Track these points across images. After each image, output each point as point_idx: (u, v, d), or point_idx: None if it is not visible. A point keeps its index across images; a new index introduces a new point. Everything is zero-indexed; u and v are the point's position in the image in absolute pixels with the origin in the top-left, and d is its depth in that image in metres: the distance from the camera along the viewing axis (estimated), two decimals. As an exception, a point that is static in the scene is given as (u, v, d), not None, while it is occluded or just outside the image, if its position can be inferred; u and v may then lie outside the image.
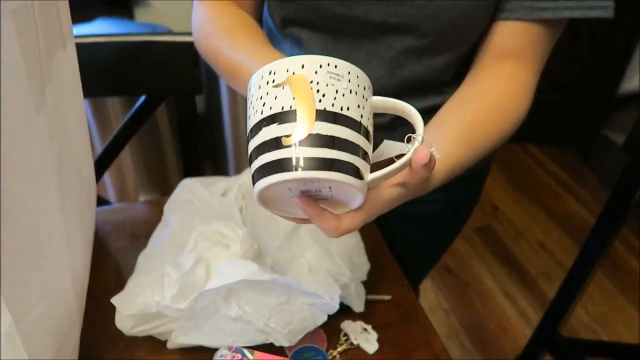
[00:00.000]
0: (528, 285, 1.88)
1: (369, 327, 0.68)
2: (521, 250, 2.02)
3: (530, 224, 2.14)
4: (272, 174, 0.40)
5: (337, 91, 0.40)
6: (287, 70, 0.40)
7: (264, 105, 0.41)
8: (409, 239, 0.90)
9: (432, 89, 0.72)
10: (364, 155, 0.42)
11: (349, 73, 0.41)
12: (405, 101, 0.58)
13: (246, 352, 0.51)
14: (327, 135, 0.39)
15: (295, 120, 0.39)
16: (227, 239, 0.66)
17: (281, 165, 0.39)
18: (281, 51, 0.77)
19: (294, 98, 0.39)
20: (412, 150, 0.41)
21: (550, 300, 1.34)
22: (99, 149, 1.07)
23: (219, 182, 0.76)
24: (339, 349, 0.65)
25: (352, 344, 0.66)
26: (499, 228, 2.12)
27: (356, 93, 0.41)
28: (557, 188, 2.33)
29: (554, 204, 2.24)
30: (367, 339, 0.66)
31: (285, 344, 0.61)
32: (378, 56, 0.68)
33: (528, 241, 2.07)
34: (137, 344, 0.64)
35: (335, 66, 0.40)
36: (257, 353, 0.51)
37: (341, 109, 0.40)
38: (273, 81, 0.40)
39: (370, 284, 0.73)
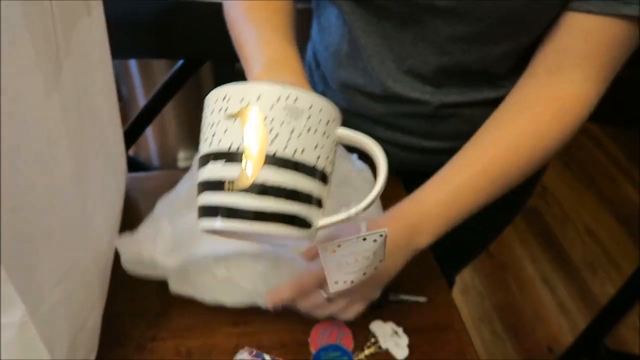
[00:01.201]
0: (570, 274, 1.80)
1: (400, 329, 0.63)
2: (567, 236, 1.93)
3: (580, 209, 2.03)
4: (210, 216, 0.38)
5: (292, 131, 0.36)
6: (242, 100, 0.36)
7: (213, 136, 0.38)
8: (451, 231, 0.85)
9: (486, 81, 0.65)
10: (317, 201, 0.39)
11: (310, 107, 0.37)
12: (457, 92, 0.53)
13: (266, 357, 0.48)
14: (273, 186, 0.37)
15: (241, 163, 0.36)
16: None
17: (221, 211, 0.37)
18: (326, 19, 0.71)
19: (243, 137, 0.36)
20: (365, 201, 0.39)
21: (591, 292, 1.27)
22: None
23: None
24: (366, 351, 0.61)
25: (380, 347, 0.62)
26: (546, 210, 2.02)
27: (315, 131, 0.37)
28: (614, 172, 2.20)
29: (608, 189, 2.11)
30: (397, 344, 0.62)
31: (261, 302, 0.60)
32: (425, 40, 0.61)
33: (575, 227, 1.97)
34: (160, 324, 0.63)
35: (296, 99, 0.36)
36: (278, 361, 0.48)
37: (294, 152, 0.36)
38: (226, 109, 0.37)
39: (403, 283, 0.69)
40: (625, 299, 1.15)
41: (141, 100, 1.46)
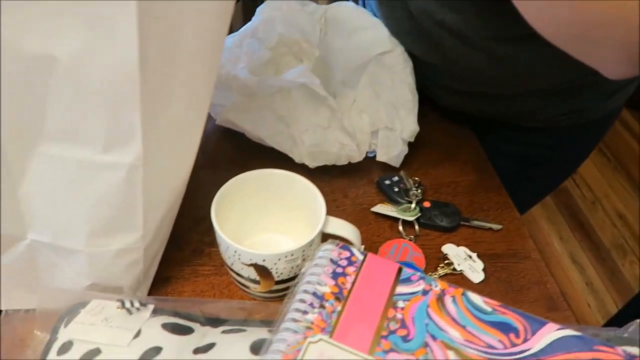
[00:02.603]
0: (599, 255, 1.75)
1: (474, 255, 0.59)
2: (596, 218, 1.88)
3: (610, 192, 1.98)
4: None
5: (292, 268, 0.49)
6: (250, 260, 0.47)
7: (232, 264, 0.50)
8: (509, 176, 0.81)
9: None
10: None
11: (303, 251, 0.49)
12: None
13: (355, 251, 0.44)
14: (278, 289, 0.51)
15: (258, 285, 0.50)
16: (302, 53, 0.71)
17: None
18: None
19: (256, 277, 0.49)
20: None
21: (620, 274, 1.22)
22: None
23: (311, 4, 0.74)
24: (440, 271, 0.57)
25: (454, 269, 0.58)
26: (576, 192, 1.97)
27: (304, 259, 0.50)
28: (646, 158, 2.14)
29: (638, 173, 2.06)
30: (471, 267, 0.58)
31: (305, 161, 0.63)
32: None
33: (605, 209, 1.92)
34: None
35: (292, 254, 0.48)
36: (369, 254, 0.44)
37: (293, 273, 0.50)
38: (239, 258, 0.47)
39: (475, 212, 0.64)
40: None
41: None
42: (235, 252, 0.47)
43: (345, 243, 0.45)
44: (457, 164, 0.71)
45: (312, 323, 0.38)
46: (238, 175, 0.52)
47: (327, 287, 0.41)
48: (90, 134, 0.38)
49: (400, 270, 0.43)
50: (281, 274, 0.48)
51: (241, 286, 0.52)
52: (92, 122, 0.38)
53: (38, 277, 0.47)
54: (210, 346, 0.41)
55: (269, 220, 0.56)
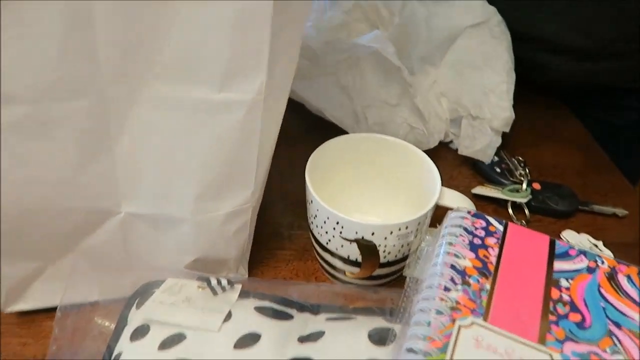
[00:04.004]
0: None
1: (599, 243, 0.50)
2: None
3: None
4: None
5: (402, 245, 0.41)
6: (356, 233, 0.39)
7: (329, 242, 0.42)
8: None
9: None
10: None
11: (418, 223, 0.40)
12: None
13: (491, 219, 0.36)
14: (380, 274, 0.43)
15: (360, 267, 0.42)
16: (379, 20, 0.62)
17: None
18: None
19: (359, 256, 0.41)
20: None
21: None
22: None
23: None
24: (564, 261, 0.48)
25: (579, 258, 0.48)
26: None
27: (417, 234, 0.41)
28: None
29: None
30: (599, 257, 0.49)
31: None
32: None
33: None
34: (298, 214, 0.51)
35: (406, 227, 0.39)
36: (511, 224, 0.36)
37: (402, 253, 0.41)
38: (340, 232, 0.40)
39: (591, 193, 0.55)
40: None
41: None
42: (338, 223, 0.39)
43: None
44: (559, 143, 0.62)
45: (457, 302, 0.30)
46: (330, 140, 0.45)
47: (467, 261, 0.32)
48: (209, 66, 0.31)
49: (553, 242, 0.34)
50: (389, 253, 0.40)
51: (333, 271, 0.44)
52: (211, 49, 0.31)
53: (132, 259, 0.40)
54: (318, 335, 0.33)
55: (362, 193, 0.48)
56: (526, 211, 0.52)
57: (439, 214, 0.41)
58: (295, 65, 0.37)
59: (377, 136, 0.46)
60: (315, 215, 0.41)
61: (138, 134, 0.33)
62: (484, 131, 0.55)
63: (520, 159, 0.57)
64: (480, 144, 0.55)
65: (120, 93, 0.31)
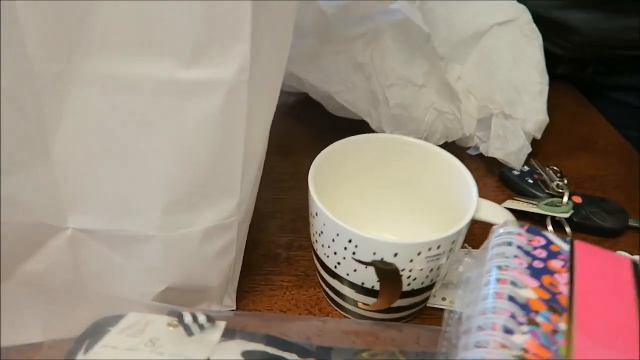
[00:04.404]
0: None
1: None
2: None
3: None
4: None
5: (431, 270, 0.32)
6: (374, 254, 0.30)
7: (338, 264, 0.33)
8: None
9: None
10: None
11: (453, 243, 0.32)
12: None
13: (551, 236, 0.27)
14: (402, 305, 0.34)
15: (376, 297, 0.33)
16: None
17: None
18: None
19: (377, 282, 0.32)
20: None
21: None
22: None
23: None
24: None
25: None
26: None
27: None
28: None
29: None
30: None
31: (385, 128, 0.46)
32: None
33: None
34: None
35: (438, 247, 0.31)
36: (577, 242, 0.28)
37: (429, 280, 0.33)
38: (353, 253, 0.31)
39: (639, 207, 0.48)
40: None
41: None
42: (350, 242, 0.30)
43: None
44: (597, 154, 0.55)
45: (525, 350, 0.21)
46: (337, 142, 0.37)
47: (529, 291, 0.24)
48: (173, 32, 0.23)
49: (636, 265, 0.26)
50: (414, 279, 0.32)
51: (341, 301, 0.35)
52: (176, 10, 0.23)
53: (86, 288, 0.31)
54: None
55: (376, 205, 0.40)
56: (567, 229, 0.44)
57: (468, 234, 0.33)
58: (290, 38, 0.29)
59: (393, 136, 0.38)
60: (321, 232, 0.32)
61: (81, 127, 0.25)
62: (516, 133, 0.47)
63: (556, 168, 0.49)
64: (513, 146, 0.47)
65: (52, 71, 0.23)
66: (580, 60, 0.64)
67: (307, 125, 0.55)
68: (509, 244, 0.26)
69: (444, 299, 0.38)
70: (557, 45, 0.61)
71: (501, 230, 0.27)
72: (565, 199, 0.45)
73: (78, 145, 0.25)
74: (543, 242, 0.27)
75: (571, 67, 0.64)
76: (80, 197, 0.27)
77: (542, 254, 0.26)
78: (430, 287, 0.33)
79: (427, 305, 0.37)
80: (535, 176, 0.48)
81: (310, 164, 0.34)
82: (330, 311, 0.37)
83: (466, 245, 0.35)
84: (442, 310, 0.38)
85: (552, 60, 0.64)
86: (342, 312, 0.36)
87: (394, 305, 0.33)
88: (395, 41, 0.45)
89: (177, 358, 0.25)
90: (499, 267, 0.25)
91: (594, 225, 0.44)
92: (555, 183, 0.47)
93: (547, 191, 0.47)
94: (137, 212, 0.28)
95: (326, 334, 0.30)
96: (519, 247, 0.26)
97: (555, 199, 0.45)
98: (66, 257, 0.29)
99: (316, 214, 0.32)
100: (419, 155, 0.37)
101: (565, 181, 0.47)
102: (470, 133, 0.47)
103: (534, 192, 0.47)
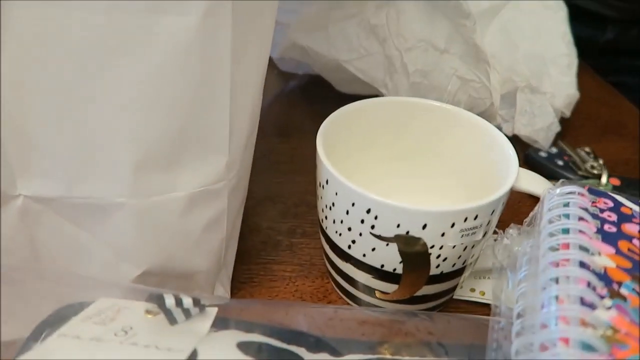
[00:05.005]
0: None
1: None
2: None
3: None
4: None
5: (465, 248, 0.27)
6: (398, 226, 0.25)
7: (353, 242, 0.27)
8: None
9: None
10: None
11: (492, 213, 0.27)
12: None
13: (620, 198, 0.22)
14: (427, 294, 0.29)
15: (398, 284, 0.28)
16: None
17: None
18: None
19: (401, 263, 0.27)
20: None
21: None
22: None
23: None
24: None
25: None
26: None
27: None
28: None
29: None
30: None
31: (401, 94, 0.41)
32: None
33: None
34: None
35: (475, 217, 0.25)
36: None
37: (460, 263, 0.28)
38: (372, 226, 0.26)
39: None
40: None
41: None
42: (369, 212, 0.25)
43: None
44: (629, 138, 0.50)
45: (613, 329, 0.16)
46: (348, 105, 0.32)
47: (605, 258, 0.19)
48: None
49: None
50: (444, 259, 0.26)
51: (355, 291, 0.30)
52: None
53: (46, 270, 0.26)
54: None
55: (394, 175, 0.34)
56: (606, 214, 0.39)
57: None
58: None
59: (413, 99, 0.33)
60: (332, 204, 0.27)
61: (20, 63, 0.20)
62: (544, 108, 0.42)
63: (588, 149, 0.44)
64: (542, 122, 0.42)
65: None
66: (631, 22, 0.60)
67: (308, 107, 0.50)
68: (568, 204, 0.21)
69: (472, 290, 0.33)
70: (607, 5, 0.57)
71: (557, 191, 0.22)
72: (604, 180, 0.40)
73: (19, 87, 0.20)
74: (611, 204, 0.22)
75: (620, 30, 0.60)
76: (29, 155, 0.22)
77: (613, 217, 0.21)
78: (461, 271, 0.28)
79: (454, 297, 0.32)
80: (565, 158, 0.43)
81: (313, 147, 0.29)
82: (341, 304, 0.32)
83: (497, 230, 0.30)
84: (470, 303, 0.32)
85: (600, 24, 0.60)
86: (355, 305, 0.31)
87: (418, 293, 0.28)
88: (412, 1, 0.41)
89: (153, 351, 0.20)
90: (562, 231, 0.20)
91: (636, 209, 0.39)
92: (588, 164, 0.42)
93: (579, 173, 0.42)
94: (100, 173, 0.22)
95: (339, 324, 0.25)
96: (584, 209, 0.21)
97: (591, 181, 0.40)
98: (19, 230, 0.24)
99: (327, 182, 0.27)
100: (443, 120, 0.32)
101: (601, 161, 0.42)
102: (498, 105, 0.42)
103: (566, 174, 0.42)
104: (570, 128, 0.48)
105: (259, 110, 0.29)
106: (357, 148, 0.33)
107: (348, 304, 0.31)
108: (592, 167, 0.41)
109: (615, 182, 0.41)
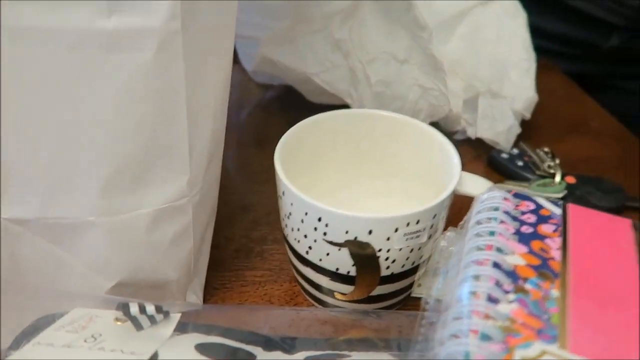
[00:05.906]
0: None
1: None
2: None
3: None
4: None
5: (411, 250, 0.29)
6: (347, 232, 0.28)
7: (310, 249, 0.30)
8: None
9: None
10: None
11: (434, 217, 0.29)
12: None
13: (541, 200, 0.24)
14: (381, 294, 0.31)
15: (353, 285, 0.30)
16: None
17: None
18: None
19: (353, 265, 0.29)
20: None
21: None
22: None
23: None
24: None
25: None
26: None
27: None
28: None
29: None
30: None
31: (368, 108, 0.43)
32: None
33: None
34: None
35: (417, 222, 0.28)
36: (571, 205, 0.25)
37: (410, 263, 0.30)
38: (324, 233, 0.28)
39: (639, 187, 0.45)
40: None
41: None
42: (320, 220, 0.27)
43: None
44: (590, 135, 0.52)
45: (511, 320, 0.18)
46: (304, 121, 0.34)
47: (516, 257, 0.21)
48: None
49: (637, 226, 0.23)
50: (393, 261, 0.29)
51: (317, 293, 0.32)
52: None
53: (29, 287, 0.28)
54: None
55: (350, 185, 0.37)
56: (562, 211, 0.41)
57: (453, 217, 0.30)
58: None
59: (363, 111, 0.35)
60: (290, 213, 0.29)
61: None
62: (505, 112, 0.44)
63: (546, 149, 0.46)
64: (502, 125, 0.44)
65: None
66: (636, 30, 0.60)
67: (284, 118, 0.52)
68: (495, 209, 0.24)
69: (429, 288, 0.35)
70: (613, 12, 0.57)
71: (485, 196, 0.25)
72: (558, 178, 0.42)
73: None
74: (532, 206, 0.24)
75: (626, 37, 0.60)
76: (6, 182, 0.24)
77: (531, 218, 0.23)
78: (412, 271, 0.30)
79: (412, 295, 0.34)
80: (526, 158, 0.45)
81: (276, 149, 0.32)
82: (308, 305, 0.34)
83: (452, 228, 0.32)
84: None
85: (605, 31, 0.59)
86: (319, 306, 0.33)
87: (374, 293, 0.30)
88: (374, 13, 0.43)
89: (119, 354, 0.22)
90: (482, 234, 0.22)
91: (589, 205, 0.41)
92: (546, 164, 0.44)
93: (538, 173, 0.44)
94: (71, 195, 0.25)
95: (299, 324, 0.27)
96: (506, 212, 0.23)
97: (547, 180, 0.42)
98: (1, 251, 0.26)
99: (283, 193, 0.29)
100: (393, 128, 0.34)
101: (557, 161, 0.44)
102: (457, 112, 0.44)
103: (525, 174, 0.44)
104: (535, 128, 0.50)
105: (223, 128, 0.31)
106: (317, 159, 0.35)
107: (314, 305, 0.34)
108: (549, 166, 0.44)
109: (571, 180, 0.43)
